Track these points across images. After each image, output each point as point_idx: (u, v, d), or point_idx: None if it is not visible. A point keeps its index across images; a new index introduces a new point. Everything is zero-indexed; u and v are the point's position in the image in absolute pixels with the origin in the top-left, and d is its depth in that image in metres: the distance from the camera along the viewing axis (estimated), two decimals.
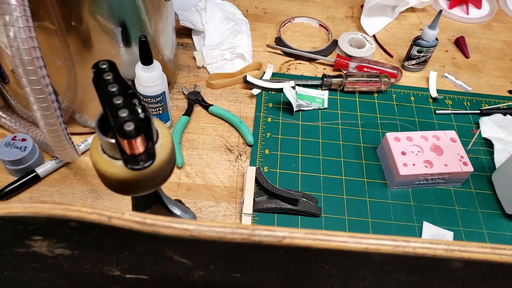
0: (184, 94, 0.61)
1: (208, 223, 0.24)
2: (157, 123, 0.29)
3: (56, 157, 0.52)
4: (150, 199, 0.35)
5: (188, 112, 0.58)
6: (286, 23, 0.72)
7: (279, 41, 0.69)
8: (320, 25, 0.73)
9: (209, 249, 0.27)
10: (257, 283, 0.32)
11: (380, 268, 0.28)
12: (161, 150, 0.28)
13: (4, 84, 0.52)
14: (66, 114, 0.53)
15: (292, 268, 0.29)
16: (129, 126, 0.23)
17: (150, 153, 0.25)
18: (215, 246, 0.26)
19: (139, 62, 0.48)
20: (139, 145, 0.24)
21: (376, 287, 0.31)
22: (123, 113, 0.24)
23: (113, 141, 0.26)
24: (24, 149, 0.48)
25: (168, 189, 0.51)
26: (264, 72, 0.64)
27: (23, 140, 0.49)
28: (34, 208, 0.24)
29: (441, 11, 0.60)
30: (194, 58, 0.65)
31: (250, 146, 0.56)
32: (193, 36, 0.68)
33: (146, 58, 0.47)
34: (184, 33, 0.68)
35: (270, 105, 0.61)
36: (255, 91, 0.61)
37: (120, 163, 0.28)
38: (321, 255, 0.26)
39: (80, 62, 0.47)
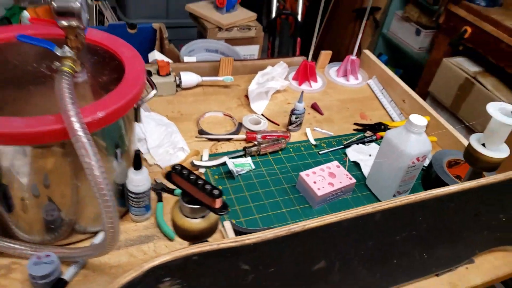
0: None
1: (270, 230, 0.45)
2: None
3: (75, 262, 0.62)
4: None
5: (160, 199, 0.75)
6: (200, 117, 0.97)
7: (201, 131, 0.92)
8: (224, 114, 0.99)
9: (263, 249, 0.47)
10: (283, 272, 0.52)
11: (346, 234, 0.53)
12: None
13: (8, 213, 0.62)
14: (69, 226, 0.65)
15: (304, 253, 0.51)
16: (216, 192, 0.44)
17: (225, 205, 0.45)
18: (268, 245, 0.46)
19: (132, 168, 0.65)
20: (221, 201, 0.44)
21: (334, 251, 0.55)
22: (208, 187, 0.44)
23: (197, 206, 0.45)
24: (52, 262, 0.59)
25: None
26: (202, 156, 0.86)
27: (47, 256, 0.60)
28: (176, 253, 0.41)
29: (303, 91, 0.94)
30: (145, 159, 0.83)
31: None
32: (137, 143, 0.86)
33: (138, 165, 0.65)
34: None
35: (216, 177, 0.82)
36: (202, 170, 0.82)
37: (195, 220, 0.47)
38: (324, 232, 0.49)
39: (83, 180, 0.62)
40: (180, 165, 0.46)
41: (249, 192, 0.80)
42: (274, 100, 1.09)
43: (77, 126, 0.48)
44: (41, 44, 0.53)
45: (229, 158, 0.86)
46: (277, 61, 1.14)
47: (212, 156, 0.87)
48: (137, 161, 0.64)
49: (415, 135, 0.73)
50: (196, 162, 0.82)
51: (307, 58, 1.14)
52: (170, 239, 0.69)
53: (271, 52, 2.35)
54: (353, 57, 1.19)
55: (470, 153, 0.65)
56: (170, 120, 0.92)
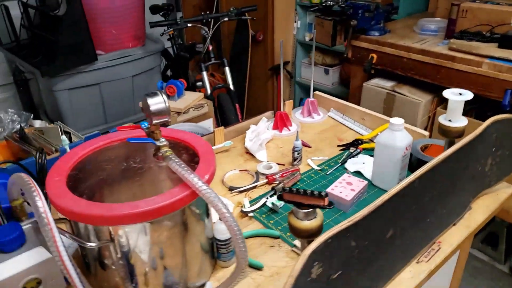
0: None
1: (365, 208, 0.64)
2: None
3: None
4: None
5: None
6: (223, 178, 1.13)
7: (231, 188, 1.09)
8: (240, 170, 1.17)
9: (362, 225, 0.65)
10: (372, 244, 0.71)
11: (400, 203, 0.73)
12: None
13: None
14: (184, 286, 0.76)
15: (381, 225, 0.71)
16: (323, 193, 0.62)
17: (330, 202, 0.63)
18: (365, 221, 0.65)
19: (218, 220, 0.80)
20: (327, 200, 0.63)
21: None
22: (315, 192, 0.62)
23: (309, 210, 0.63)
24: None
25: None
26: (244, 204, 1.02)
27: None
28: (319, 239, 0.58)
29: (297, 131, 1.17)
30: None
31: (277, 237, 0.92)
32: None
33: None
34: None
35: (264, 215, 0.99)
36: (251, 214, 0.98)
37: (310, 221, 0.64)
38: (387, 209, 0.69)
39: (188, 242, 0.75)
40: (287, 187, 0.64)
41: None
42: (268, 148, 1.30)
43: (203, 187, 0.64)
44: (146, 141, 0.68)
45: (267, 198, 1.03)
46: (258, 119, 1.37)
47: (251, 202, 1.04)
48: None
49: (399, 132, 0.99)
50: (244, 210, 0.98)
51: (277, 110, 1.39)
52: (260, 269, 0.84)
53: (217, 121, 2.59)
54: (311, 99, 1.47)
55: (442, 129, 0.92)
56: None
